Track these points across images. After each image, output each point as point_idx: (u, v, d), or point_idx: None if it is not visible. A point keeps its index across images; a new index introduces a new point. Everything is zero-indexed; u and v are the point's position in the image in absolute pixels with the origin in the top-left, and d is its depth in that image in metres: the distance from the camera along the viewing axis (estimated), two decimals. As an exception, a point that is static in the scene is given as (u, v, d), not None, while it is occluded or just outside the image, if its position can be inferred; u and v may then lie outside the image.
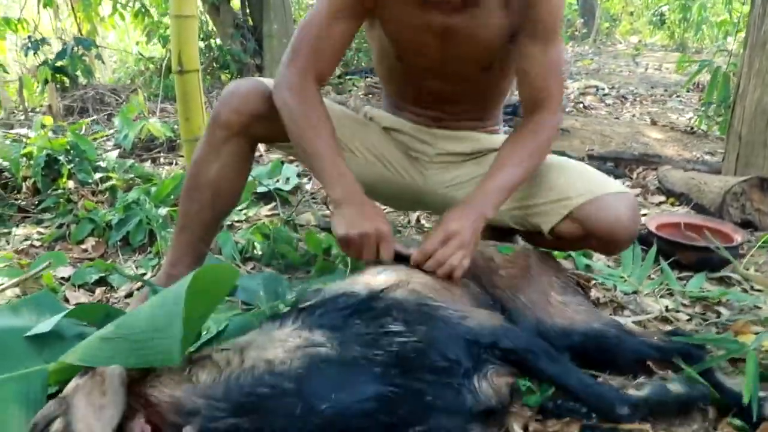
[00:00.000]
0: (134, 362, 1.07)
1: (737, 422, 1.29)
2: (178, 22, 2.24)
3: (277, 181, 2.92)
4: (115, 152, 3.35)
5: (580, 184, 1.60)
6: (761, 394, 1.30)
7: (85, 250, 2.34)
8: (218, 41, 5.89)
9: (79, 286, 2.00)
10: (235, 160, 1.71)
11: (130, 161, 3.17)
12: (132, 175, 2.97)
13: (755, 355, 1.35)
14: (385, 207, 2.28)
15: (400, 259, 1.47)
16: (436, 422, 1.09)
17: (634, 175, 3.35)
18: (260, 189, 2.82)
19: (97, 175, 2.88)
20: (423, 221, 2.65)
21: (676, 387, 1.30)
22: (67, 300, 1.89)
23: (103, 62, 5.54)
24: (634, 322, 1.74)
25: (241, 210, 2.62)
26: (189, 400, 1.03)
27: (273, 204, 2.75)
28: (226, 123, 1.66)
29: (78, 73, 4.89)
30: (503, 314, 1.47)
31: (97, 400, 1.00)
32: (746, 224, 2.48)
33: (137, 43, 6.81)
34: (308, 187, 3.06)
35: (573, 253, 2.14)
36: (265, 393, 1.03)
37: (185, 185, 1.76)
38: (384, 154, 1.83)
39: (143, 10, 5.89)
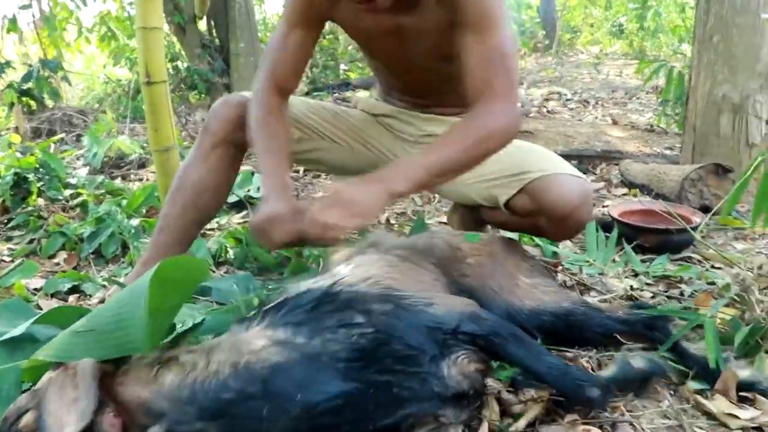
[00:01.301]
0: (104, 354, 1.08)
1: (695, 386, 1.35)
2: (144, 34, 2.27)
3: (248, 190, 2.94)
4: (85, 170, 3.36)
5: (538, 162, 1.67)
6: (732, 362, 1.37)
7: (57, 264, 2.34)
8: (186, 62, 5.90)
9: (52, 295, 2.01)
10: (220, 167, 1.79)
11: (100, 178, 3.17)
12: (103, 191, 2.98)
13: (713, 322, 1.42)
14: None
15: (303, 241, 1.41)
16: (406, 412, 1.09)
17: (598, 171, 3.44)
18: (231, 198, 2.84)
19: (68, 192, 2.88)
20: (393, 221, 2.70)
21: (638, 363, 1.34)
22: (40, 308, 1.89)
23: (69, 84, 5.52)
24: (600, 301, 1.79)
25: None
26: (155, 401, 1.03)
27: (245, 212, 2.78)
28: (214, 131, 1.76)
29: (45, 95, 4.88)
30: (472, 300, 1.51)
31: (69, 393, 1.00)
32: (705, 209, 2.56)
33: (104, 66, 6.79)
34: (279, 195, 3.09)
35: (540, 242, 2.20)
36: (230, 398, 1.02)
37: (170, 190, 1.82)
38: (367, 138, 1.92)
39: (110, 34, 5.90)
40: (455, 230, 1.88)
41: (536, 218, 1.69)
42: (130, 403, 1.04)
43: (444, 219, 2.66)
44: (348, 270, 1.38)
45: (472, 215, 1.98)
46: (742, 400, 1.29)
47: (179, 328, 1.41)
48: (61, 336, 1.17)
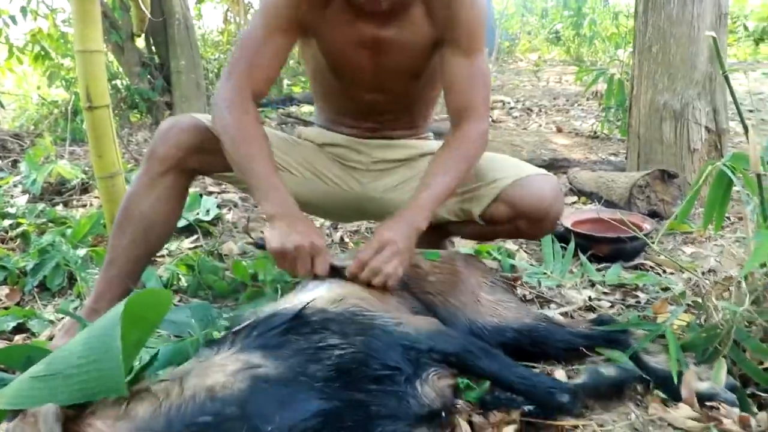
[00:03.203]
0: (72, 398, 1.02)
1: (660, 396, 1.38)
2: (83, 57, 2.19)
3: (197, 213, 2.87)
4: (24, 198, 3.22)
5: (506, 169, 1.70)
6: (692, 368, 1.39)
7: (-1, 300, 2.23)
8: (125, 81, 5.76)
9: (-4, 336, 1.91)
10: (170, 194, 1.72)
11: (41, 205, 3.05)
12: (44, 220, 2.85)
13: (671, 331, 1.45)
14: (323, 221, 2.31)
15: (336, 272, 1.47)
16: (382, 430, 1.09)
17: (547, 180, 3.49)
18: (181, 223, 2.76)
19: (6, 222, 2.75)
20: (347, 239, 2.67)
21: (608, 370, 1.37)
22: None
23: (2, 107, 5.30)
24: (561, 314, 1.81)
25: (162, 244, 2.56)
26: None
27: (195, 236, 2.71)
28: (162, 157, 1.68)
29: (-25, 120, 4.69)
30: (435, 318, 1.51)
31: (31, 442, 0.94)
32: (653, 214, 2.63)
33: (38, 87, 6.56)
34: (229, 217, 3.04)
35: (498, 256, 2.22)
36: (208, 421, 1.00)
37: (116, 220, 1.74)
38: (320, 169, 1.87)
39: (43, 53, 5.70)
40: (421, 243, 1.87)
41: (514, 223, 1.72)
42: None
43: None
44: (319, 292, 1.37)
45: (434, 230, 1.97)
46: (705, 408, 1.32)
47: (136, 365, 1.35)
48: (18, 381, 1.10)
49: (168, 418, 1.00)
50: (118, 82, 5.76)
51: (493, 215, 1.72)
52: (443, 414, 1.20)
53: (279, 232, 1.42)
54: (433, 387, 1.18)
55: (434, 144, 1.90)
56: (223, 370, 1.08)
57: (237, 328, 1.22)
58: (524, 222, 1.70)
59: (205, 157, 1.69)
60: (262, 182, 1.49)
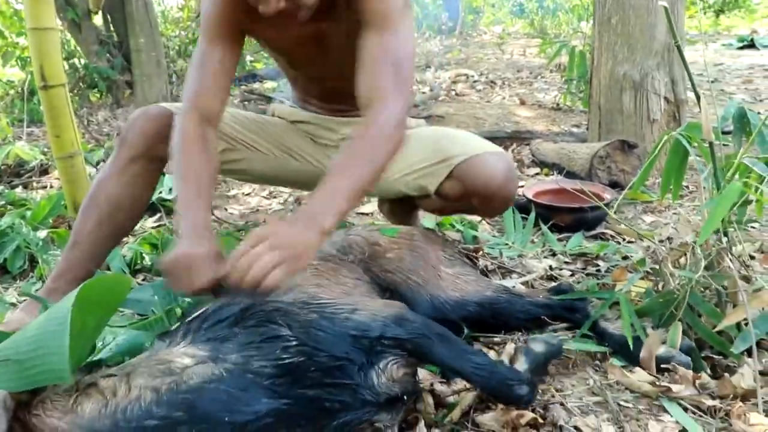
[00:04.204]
0: (22, 384, 1.01)
1: (617, 362, 1.42)
2: (36, 35, 2.15)
3: (160, 192, 2.84)
4: (-19, 181, 3.15)
5: (459, 146, 1.71)
6: (649, 332, 1.43)
7: (-41, 284, 2.19)
8: (83, 60, 5.62)
9: (-45, 320, 1.87)
10: (139, 181, 1.73)
11: (-1, 188, 3.00)
12: (3, 202, 2.80)
13: (626, 298, 1.49)
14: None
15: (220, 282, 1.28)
16: (339, 423, 1.08)
17: (509, 152, 3.52)
18: (143, 201, 2.74)
19: (-36, 206, 2.70)
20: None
21: (539, 346, 1.35)
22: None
23: (-45, 89, 5.16)
24: (522, 284, 1.84)
25: (125, 224, 2.53)
26: None
27: (158, 215, 2.69)
28: (131, 145, 1.70)
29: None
30: (396, 295, 1.50)
31: (-21, 427, 0.93)
32: (613, 184, 2.67)
33: (-8, 67, 6.39)
34: (193, 195, 3.01)
35: (461, 227, 2.24)
36: (155, 425, 0.97)
37: (83, 204, 1.75)
38: (291, 146, 1.90)
39: (-5, 31, 5.55)
40: (383, 222, 1.88)
41: (467, 200, 1.73)
42: None
43: (362, 210, 2.67)
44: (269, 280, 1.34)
45: (402, 202, 1.99)
46: (661, 372, 1.36)
47: (99, 347, 1.35)
48: (-30, 366, 1.09)
49: (114, 419, 0.97)
50: (76, 60, 5.63)
51: (446, 192, 1.73)
52: (404, 399, 1.18)
53: (169, 252, 1.34)
54: (390, 376, 1.15)
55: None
56: (169, 368, 1.05)
57: (190, 318, 1.18)
58: (476, 199, 1.71)
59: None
60: (181, 210, 1.42)
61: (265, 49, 1.85)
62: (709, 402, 1.25)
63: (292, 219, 1.34)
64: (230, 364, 1.05)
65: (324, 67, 1.72)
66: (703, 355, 1.41)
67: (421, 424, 1.21)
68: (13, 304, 1.93)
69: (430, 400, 1.29)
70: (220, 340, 1.10)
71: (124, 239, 2.43)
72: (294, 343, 1.09)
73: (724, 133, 1.52)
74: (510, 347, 1.46)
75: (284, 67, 1.87)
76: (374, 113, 1.41)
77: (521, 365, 1.30)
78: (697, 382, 1.30)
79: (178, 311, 1.57)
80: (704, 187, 1.52)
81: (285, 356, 1.07)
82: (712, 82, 5.03)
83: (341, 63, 1.65)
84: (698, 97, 1.41)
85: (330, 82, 1.79)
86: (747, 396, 1.26)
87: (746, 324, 1.36)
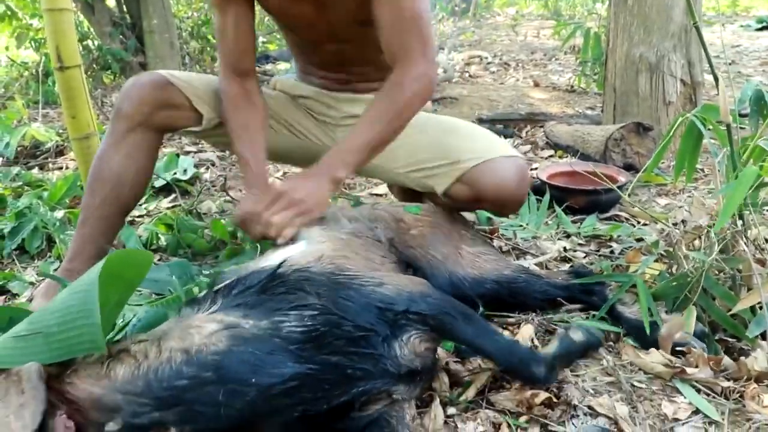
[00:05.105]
0: (53, 356, 1.03)
1: (631, 342, 1.42)
2: (52, 16, 2.15)
3: (175, 173, 2.86)
4: (-2, 162, 3.18)
5: (470, 147, 1.66)
6: (663, 316, 1.43)
7: (-22, 264, 2.22)
8: (97, 41, 5.63)
9: (-23, 298, 1.91)
10: (139, 152, 1.72)
11: (15, 169, 3.02)
12: (20, 183, 2.83)
13: (643, 281, 1.49)
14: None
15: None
16: (359, 390, 1.10)
17: (523, 134, 3.51)
18: (158, 183, 2.76)
19: (-19, 187, 2.73)
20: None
21: (577, 336, 1.38)
22: (-35, 313, 1.79)
23: (-30, 71, 5.19)
24: (536, 264, 1.85)
25: (140, 204, 2.55)
26: (109, 396, 1.00)
27: (173, 196, 2.71)
28: (128, 114, 1.69)
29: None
30: (418, 271, 1.52)
31: (15, 400, 0.95)
32: (628, 167, 2.66)
33: (6, 49, 6.40)
34: (207, 176, 3.03)
35: (474, 210, 2.24)
36: (185, 385, 1.01)
37: (88, 180, 1.75)
38: (292, 123, 1.89)
39: (9, 12, 5.55)
40: (396, 202, 1.88)
41: (478, 204, 1.73)
42: (83, 401, 1.01)
43: (375, 191, 2.68)
44: (299, 249, 1.37)
45: (409, 190, 1.99)
46: (675, 354, 1.36)
47: (119, 323, 1.37)
48: (0, 341, 1.11)
49: (146, 380, 1.01)
50: (90, 42, 5.64)
51: (454, 194, 1.70)
52: (422, 374, 1.21)
53: (243, 201, 1.51)
54: (412, 349, 1.18)
55: None
56: (199, 332, 1.08)
57: (218, 286, 1.22)
58: (487, 204, 1.70)
59: (170, 112, 1.71)
60: (242, 162, 1.62)
61: (266, 14, 1.86)
62: (723, 383, 1.25)
63: (307, 172, 1.50)
64: (259, 329, 1.08)
65: (323, 31, 1.68)
66: (716, 338, 1.42)
67: (436, 402, 1.23)
68: (32, 283, 1.96)
69: (445, 378, 1.30)
70: (249, 306, 1.13)
71: (139, 218, 2.47)
72: (321, 311, 1.12)
73: (740, 116, 1.51)
74: (526, 329, 1.47)
75: (286, 33, 1.87)
76: (401, 72, 1.52)
77: (549, 348, 1.33)
78: (711, 363, 1.31)
79: (196, 290, 1.59)
80: (719, 170, 1.51)
81: (312, 323, 1.10)
82: (730, 64, 4.97)
83: (339, 23, 1.65)
84: (716, 79, 1.40)
85: (330, 46, 1.74)
86: (761, 378, 1.27)
87: (761, 308, 1.36)
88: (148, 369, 1.02)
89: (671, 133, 1.50)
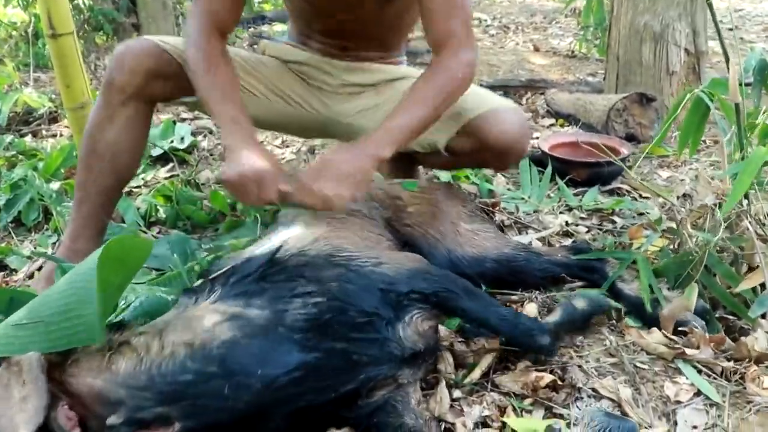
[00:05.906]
0: (52, 346, 1.03)
1: (633, 322, 1.42)
2: (43, -20, 2.09)
3: (172, 141, 2.82)
4: (-11, 128, 3.13)
5: (471, 101, 1.65)
6: (665, 293, 1.43)
7: (-28, 237, 2.20)
8: (88, 1, 5.51)
9: (-27, 274, 1.89)
10: (133, 123, 1.67)
11: (8, 137, 2.97)
12: (14, 152, 2.79)
13: (646, 262, 1.48)
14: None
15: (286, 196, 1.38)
16: (365, 376, 1.10)
17: (524, 101, 3.47)
18: (155, 151, 2.72)
19: (-27, 154, 2.69)
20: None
21: (580, 304, 1.40)
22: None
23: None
24: (538, 239, 1.84)
25: (137, 175, 2.52)
26: (111, 390, 1.00)
27: (170, 165, 2.67)
28: (121, 86, 1.62)
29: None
30: (415, 250, 1.51)
31: (17, 391, 0.95)
32: (630, 138, 2.64)
33: (-6, 8, 6.26)
34: (204, 144, 2.99)
35: (476, 180, 2.22)
36: (189, 380, 1.00)
37: (81, 154, 1.70)
38: (283, 89, 1.82)
39: (-5, -31, 5.42)
40: (390, 178, 1.85)
41: (479, 156, 1.72)
42: (85, 394, 1.00)
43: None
44: (295, 231, 1.36)
45: (402, 158, 1.96)
46: (676, 333, 1.37)
47: (122, 306, 1.36)
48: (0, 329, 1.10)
49: (149, 375, 1.00)
50: (81, 2, 5.51)
51: (456, 147, 1.70)
52: (425, 356, 1.21)
53: (229, 164, 1.38)
54: (415, 329, 1.18)
55: (405, 69, 1.87)
56: (201, 324, 1.07)
57: (214, 274, 1.21)
58: (489, 154, 1.69)
59: (164, 82, 1.64)
60: (223, 120, 1.46)
61: None
62: (724, 364, 1.26)
63: (351, 147, 1.42)
64: (260, 319, 1.08)
65: (338, 1, 1.65)
66: (716, 315, 1.42)
67: (442, 384, 1.23)
68: (29, 257, 1.94)
69: (450, 360, 1.30)
70: (248, 295, 1.12)
71: (137, 189, 2.44)
72: (323, 299, 1.12)
73: (744, 85, 1.49)
74: (530, 307, 1.47)
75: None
76: (450, 56, 1.50)
77: (552, 317, 1.35)
78: (713, 344, 1.31)
79: (197, 267, 1.58)
80: (725, 147, 1.49)
81: (315, 311, 1.10)
82: (731, 30, 4.90)
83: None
84: (727, 59, 1.37)
85: (341, 15, 1.70)
86: (761, 359, 1.28)
87: (763, 288, 1.36)
88: (151, 364, 1.02)
89: (678, 110, 1.48)
